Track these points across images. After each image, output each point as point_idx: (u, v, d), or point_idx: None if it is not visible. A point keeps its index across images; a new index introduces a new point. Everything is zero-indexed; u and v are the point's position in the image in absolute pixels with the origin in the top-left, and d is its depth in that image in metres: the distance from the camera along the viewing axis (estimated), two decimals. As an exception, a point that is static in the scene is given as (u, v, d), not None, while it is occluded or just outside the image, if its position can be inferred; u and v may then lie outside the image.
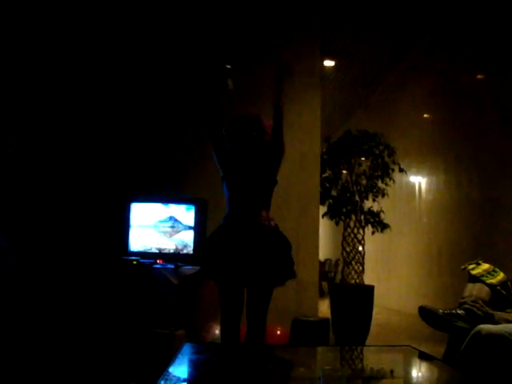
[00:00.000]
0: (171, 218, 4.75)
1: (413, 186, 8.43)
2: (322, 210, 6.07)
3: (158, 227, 4.76)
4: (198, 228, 4.67)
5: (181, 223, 4.74)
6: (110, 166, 5.27)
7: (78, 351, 4.09)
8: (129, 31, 5.41)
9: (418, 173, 8.26)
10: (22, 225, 4.92)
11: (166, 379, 2.24)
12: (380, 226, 6.10)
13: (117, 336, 4.21)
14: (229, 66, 3.42)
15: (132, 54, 5.42)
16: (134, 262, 4.44)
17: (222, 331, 3.22)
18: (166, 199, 4.86)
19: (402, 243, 8.76)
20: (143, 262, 4.48)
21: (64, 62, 5.30)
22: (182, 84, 5.44)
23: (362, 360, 3.02)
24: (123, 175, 5.26)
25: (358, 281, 5.98)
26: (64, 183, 5.17)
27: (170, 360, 2.51)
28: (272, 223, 3.21)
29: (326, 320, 4.99)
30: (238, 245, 3.12)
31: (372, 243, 6.77)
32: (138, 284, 4.35)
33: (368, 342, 5.51)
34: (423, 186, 8.20)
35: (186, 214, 4.74)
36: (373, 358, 3.04)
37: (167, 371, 2.33)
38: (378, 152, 6.06)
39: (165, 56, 5.46)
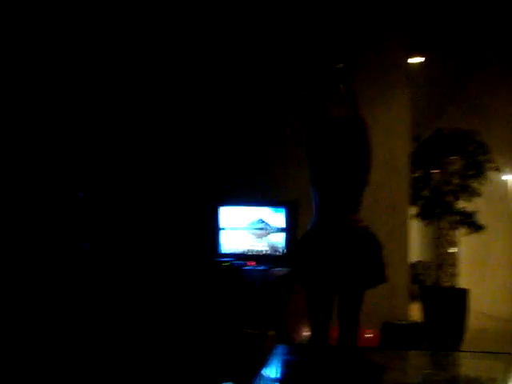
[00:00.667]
0: (261, 220, 4.83)
1: (509, 185, 8.03)
2: (413, 210, 5.93)
3: (249, 229, 4.85)
4: (289, 230, 4.72)
5: (269, 225, 4.80)
6: (200, 170, 5.42)
7: (171, 351, 4.24)
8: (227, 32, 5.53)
9: (514, 171, 7.86)
10: (118, 229, 5.18)
11: (260, 380, 2.28)
12: (474, 227, 5.87)
13: (209, 336, 4.32)
14: (341, 65, 3.24)
15: (229, 54, 5.52)
16: (226, 264, 4.55)
17: (312, 337, 3.24)
18: (256, 202, 4.95)
19: (497, 245, 8.35)
20: (234, 264, 4.59)
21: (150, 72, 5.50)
22: (273, 87, 5.50)
23: (458, 366, 2.92)
24: (213, 178, 5.39)
25: (450, 284, 5.79)
26: (155, 188, 5.36)
27: (261, 360, 2.55)
28: (361, 225, 3.19)
29: (417, 324, 4.89)
30: (328, 249, 3.11)
31: (466, 245, 6.52)
32: (230, 285, 4.45)
33: (462, 348, 5.32)
34: (520, 185, 7.79)
35: (275, 216, 4.80)
36: (469, 365, 2.93)
37: (260, 372, 2.36)
38: (471, 150, 5.85)
39: (263, 56, 5.51)
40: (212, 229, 4.99)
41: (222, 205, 4.99)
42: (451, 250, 5.89)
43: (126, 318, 4.64)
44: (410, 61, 7.11)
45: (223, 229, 4.96)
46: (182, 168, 5.42)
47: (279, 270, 4.44)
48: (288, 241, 4.70)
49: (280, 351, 2.86)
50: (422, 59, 7.92)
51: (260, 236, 4.82)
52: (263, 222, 4.82)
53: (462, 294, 5.65)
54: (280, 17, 5.49)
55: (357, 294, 3.18)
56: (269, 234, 4.80)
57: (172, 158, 5.42)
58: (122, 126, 5.42)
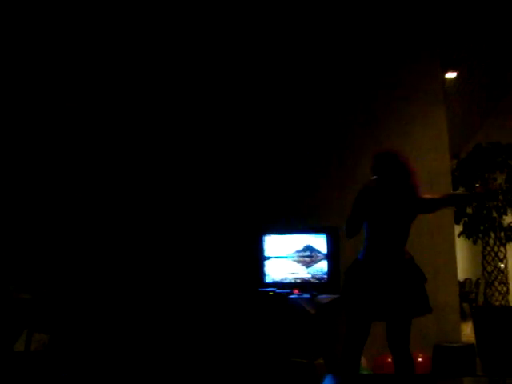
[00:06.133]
0: (308, 247, 4.82)
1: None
2: (458, 228, 5.82)
3: (294, 257, 4.85)
4: (331, 256, 4.70)
5: (319, 252, 4.79)
6: (244, 201, 5.46)
7: (221, 381, 4.24)
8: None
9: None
10: (165, 261, 5.26)
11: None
12: (523, 242, 5.72)
13: (257, 366, 4.31)
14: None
15: (275, 76, 5.59)
16: (271, 293, 4.55)
17: (344, 360, 3.26)
18: (296, 229, 4.95)
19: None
20: (279, 293, 4.58)
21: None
22: (317, 114, 5.54)
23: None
24: (256, 209, 5.42)
25: (503, 302, 5.62)
26: (199, 219, 5.43)
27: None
28: (408, 256, 3.28)
29: (470, 346, 4.73)
30: (377, 278, 3.19)
31: (515, 261, 6.33)
32: (276, 314, 4.44)
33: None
34: None
35: (323, 242, 4.80)
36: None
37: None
38: (513, 163, 5.74)
39: (305, 80, 5.56)
40: (257, 258, 5.00)
41: (267, 234, 5.00)
42: (501, 267, 5.73)
43: (174, 346, 4.68)
44: (446, 76, 7.05)
45: (268, 258, 4.96)
46: (226, 198, 5.47)
47: (324, 298, 4.41)
48: (330, 267, 4.68)
49: (330, 381, 2.83)
50: (456, 74, 7.85)
51: (307, 263, 4.81)
52: (310, 248, 4.81)
53: (516, 312, 5.46)
54: (317, 39, 5.54)
55: (406, 322, 3.22)
56: (318, 260, 4.78)
57: (216, 188, 5.49)
58: (167, 157, 5.54)
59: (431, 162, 5.32)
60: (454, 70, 7.72)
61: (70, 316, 4.85)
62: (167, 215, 5.44)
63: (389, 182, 3.28)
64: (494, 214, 5.69)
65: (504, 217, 5.74)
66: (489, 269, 5.74)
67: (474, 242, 5.92)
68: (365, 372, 4.44)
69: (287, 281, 4.83)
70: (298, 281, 4.80)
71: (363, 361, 4.66)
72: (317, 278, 4.75)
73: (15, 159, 5.26)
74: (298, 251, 4.85)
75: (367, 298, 3.17)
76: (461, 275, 9.67)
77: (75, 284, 5.12)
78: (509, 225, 5.78)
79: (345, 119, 5.50)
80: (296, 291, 4.62)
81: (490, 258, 5.73)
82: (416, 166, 3.60)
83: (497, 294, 5.65)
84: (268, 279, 4.89)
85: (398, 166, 3.30)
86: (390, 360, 4.71)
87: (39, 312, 4.49)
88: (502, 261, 5.71)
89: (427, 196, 3.37)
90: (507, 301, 5.64)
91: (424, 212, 3.40)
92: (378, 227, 3.28)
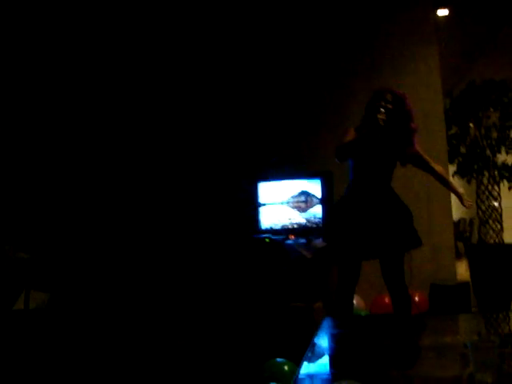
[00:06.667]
0: (304, 192, 4.80)
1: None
2: (451, 168, 5.80)
3: (289, 203, 4.84)
4: (326, 201, 4.69)
5: (315, 197, 4.78)
6: (238, 149, 5.41)
7: (220, 329, 4.28)
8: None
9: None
10: (157, 209, 5.26)
11: (312, 353, 2.27)
12: (516, 180, 5.72)
13: (256, 312, 4.35)
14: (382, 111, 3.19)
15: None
16: (267, 240, 4.56)
17: (337, 300, 3.30)
18: (291, 175, 4.92)
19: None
20: (275, 239, 4.59)
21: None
22: (308, 60, 5.44)
23: (511, 327, 2.86)
24: (250, 156, 5.38)
25: (497, 240, 5.67)
26: (194, 168, 5.40)
27: (310, 333, 2.55)
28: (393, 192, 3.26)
29: (465, 284, 4.80)
30: (363, 214, 3.17)
31: (509, 199, 6.35)
32: (273, 260, 4.47)
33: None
34: None
35: (317, 187, 4.77)
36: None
37: (311, 346, 2.36)
38: (507, 101, 5.65)
39: (295, 26, 5.48)
40: (252, 205, 4.99)
41: (261, 181, 4.97)
42: (495, 206, 5.75)
43: (171, 294, 4.72)
44: (437, 13, 6.89)
45: (263, 204, 4.95)
46: (220, 145, 5.42)
47: (320, 242, 4.42)
48: (325, 211, 4.68)
49: (328, 323, 2.85)
50: (448, 11, 7.66)
51: (303, 209, 4.80)
52: (306, 193, 4.79)
53: (510, 249, 5.52)
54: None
55: (399, 258, 3.22)
56: (313, 205, 4.78)
57: (210, 135, 5.43)
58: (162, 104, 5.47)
59: (424, 102, 5.25)
60: (445, 7, 7.54)
61: (68, 273, 4.86)
62: (163, 161, 5.42)
63: (392, 122, 3.19)
64: (488, 153, 5.66)
65: (498, 155, 5.71)
66: (483, 207, 5.75)
67: (468, 182, 5.91)
68: (362, 313, 4.51)
69: (283, 227, 4.84)
70: (295, 226, 4.81)
71: (361, 302, 4.73)
72: (312, 223, 4.76)
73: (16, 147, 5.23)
74: (293, 197, 4.84)
75: (354, 235, 3.17)
76: (455, 215, 9.74)
77: (73, 242, 5.11)
78: (502, 163, 5.76)
79: (338, 63, 5.41)
80: (292, 236, 4.63)
81: (484, 196, 5.74)
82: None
83: (491, 231, 5.69)
84: (263, 226, 4.90)
85: (404, 108, 3.24)
86: (387, 301, 4.80)
87: (37, 270, 4.49)
88: (495, 199, 5.72)
89: (422, 155, 3.32)
90: (501, 238, 5.68)
91: (409, 163, 3.36)
92: (366, 163, 3.23)
